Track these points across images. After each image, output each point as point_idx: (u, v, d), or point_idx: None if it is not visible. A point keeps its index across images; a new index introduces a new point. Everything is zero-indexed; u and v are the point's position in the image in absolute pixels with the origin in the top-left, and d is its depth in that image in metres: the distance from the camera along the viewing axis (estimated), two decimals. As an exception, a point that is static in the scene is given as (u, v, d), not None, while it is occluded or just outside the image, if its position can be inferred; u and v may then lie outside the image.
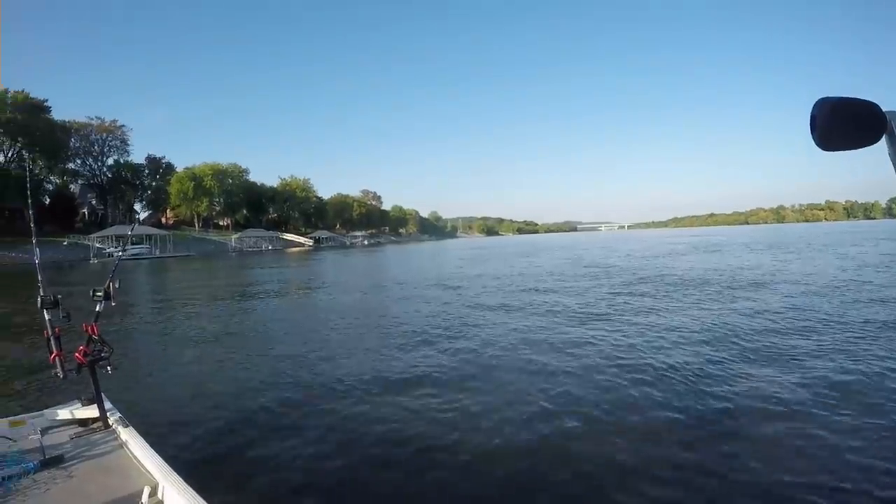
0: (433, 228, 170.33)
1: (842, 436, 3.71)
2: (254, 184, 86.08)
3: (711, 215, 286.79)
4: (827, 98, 0.89)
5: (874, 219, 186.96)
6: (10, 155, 55.08)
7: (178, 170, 75.41)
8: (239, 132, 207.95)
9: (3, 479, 2.04)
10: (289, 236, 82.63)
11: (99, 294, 2.76)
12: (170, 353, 7.69)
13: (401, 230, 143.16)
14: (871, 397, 4.52)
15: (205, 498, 1.90)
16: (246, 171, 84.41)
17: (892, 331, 7.09)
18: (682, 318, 8.56)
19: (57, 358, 2.57)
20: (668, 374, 5.42)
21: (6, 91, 52.78)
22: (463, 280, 17.65)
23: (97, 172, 69.03)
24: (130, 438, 2.43)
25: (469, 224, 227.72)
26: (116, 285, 2.81)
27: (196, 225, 76.03)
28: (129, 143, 70.60)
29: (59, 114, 60.86)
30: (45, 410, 2.77)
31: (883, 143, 0.89)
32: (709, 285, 12.99)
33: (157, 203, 76.35)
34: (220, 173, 77.66)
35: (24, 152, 54.60)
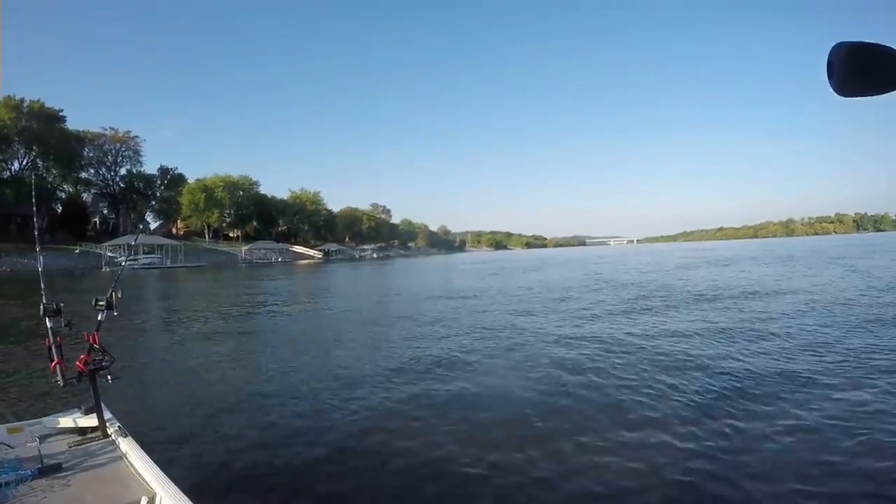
0: (442, 242, 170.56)
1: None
2: (264, 196, 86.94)
3: (720, 229, 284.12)
4: (844, 42, 0.84)
5: (884, 230, 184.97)
6: (24, 163, 56.18)
7: (189, 181, 76.39)
8: (250, 145, 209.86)
9: (0, 485, 2.02)
10: (298, 248, 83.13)
11: (101, 303, 2.74)
12: (172, 364, 7.66)
13: (410, 244, 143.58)
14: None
15: None
16: (256, 184, 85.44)
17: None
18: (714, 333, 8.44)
19: (58, 366, 2.56)
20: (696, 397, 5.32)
21: (22, 100, 54.24)
22: (477, 291, 17.60)
23: (110, 182, 69.99)
24: (129, 449, 2.40)
25: (478, 238, 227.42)
26: (119, 295, 2.78)
27: (206, 236, 76.78)
28: (141, 153, 71.66)
29: (73, 123, 62.19)
30: (44, 418, 2.75)
31: None
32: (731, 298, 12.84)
33: (169, 213, 77.24)
34: (230, 185, 78.63)
35: (38, 161, 55.63)
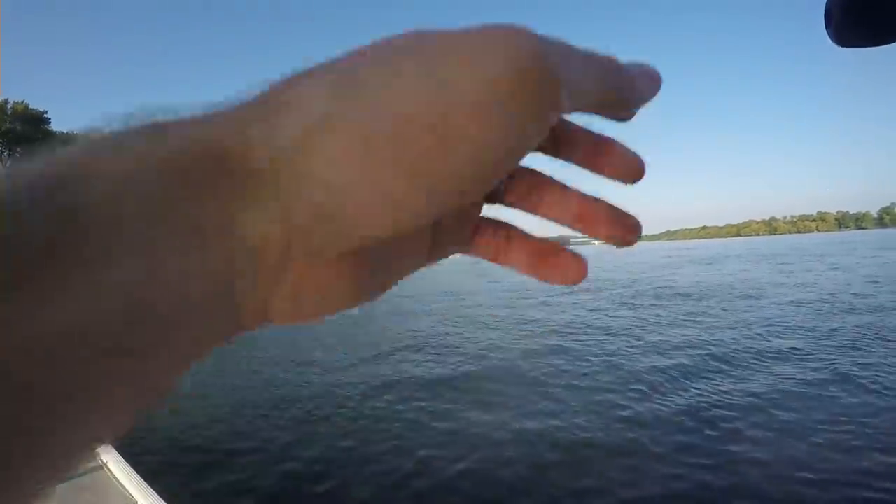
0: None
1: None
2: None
3: (704, 228, 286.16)
4: None
5: (865, 228, 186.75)
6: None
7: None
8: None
9: None
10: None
11: None
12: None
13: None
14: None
15: None
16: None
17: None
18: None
19: None
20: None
21: (6, 101, 53.19)
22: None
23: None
24: (110, 457, 2.39)
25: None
26: None
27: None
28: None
29: (58, 125, 61.04)
30: None
31: None
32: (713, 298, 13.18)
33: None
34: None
35: (22, 162, 54.38)
